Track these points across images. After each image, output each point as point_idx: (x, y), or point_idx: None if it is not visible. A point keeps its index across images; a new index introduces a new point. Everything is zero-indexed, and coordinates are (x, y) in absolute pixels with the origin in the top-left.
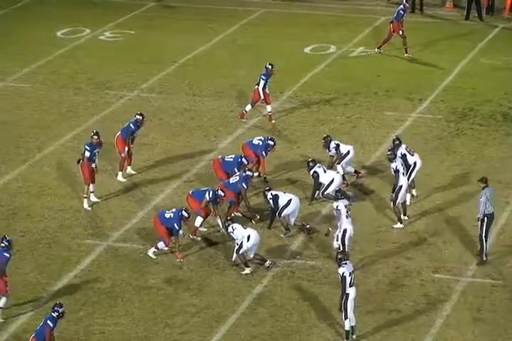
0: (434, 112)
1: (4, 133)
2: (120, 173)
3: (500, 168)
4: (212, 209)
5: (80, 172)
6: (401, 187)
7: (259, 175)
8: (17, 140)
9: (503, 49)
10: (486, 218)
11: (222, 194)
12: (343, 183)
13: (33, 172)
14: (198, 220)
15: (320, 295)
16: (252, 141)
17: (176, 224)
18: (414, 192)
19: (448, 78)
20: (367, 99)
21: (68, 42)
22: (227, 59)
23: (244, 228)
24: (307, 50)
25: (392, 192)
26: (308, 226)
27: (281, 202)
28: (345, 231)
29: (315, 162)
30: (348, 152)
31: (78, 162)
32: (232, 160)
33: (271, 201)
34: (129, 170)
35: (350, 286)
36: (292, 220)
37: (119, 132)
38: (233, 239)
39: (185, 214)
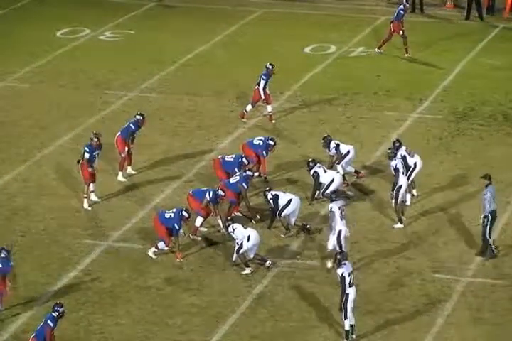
0: (435, 112)
1: (4, 133)
2: (120, 173)
3: (501, 167)
4: (212, 209)
5: (80, 172)
6: (400, 186)
7: (259, 175)
8: (17, 140)
9: (503, 49)
10: (489, 215)
11: (223, 194)
12: (344, 183)
13: (33, 172)
14: (199, 220)
15: (320, 295)
16: (252, 140)
17: (176, 224)
18: (414, 192)
19: (448, 78)
20: (367, 99)
21: (68, 42)
22: (228, 59)
23: (245, 228)
24: (307, 50)
25: (392, 191)
26: (308, 226)
27: (282, 202)
28: (340, 232)
29: (315, 162)
30: (348, 152)
31: (78, 162)
32: (232, 160)
33: (271, 201)
34: (129, 170)
35: (350, 286)
36: (292, 220)
37: (119, 132)
38: (233, 239)
39: (185, 214)
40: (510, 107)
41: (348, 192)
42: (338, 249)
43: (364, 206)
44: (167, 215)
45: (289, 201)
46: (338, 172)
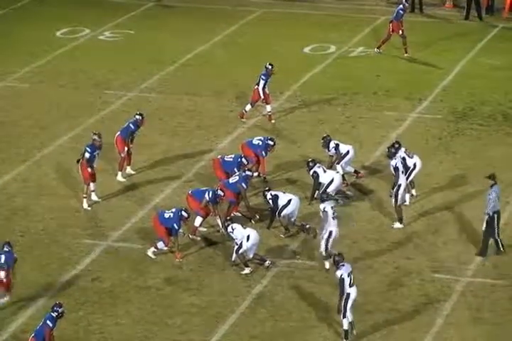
0: (434, 112)
1: (4, 133)
2: (120, 173)
3: (500, 167)
4: (211, 209)
5: (80, 172)
6: (400, 186)
7: (258, 175)
8: (16, 140)
9: (502, 49)
10: (495, 215)
11: (222, 194)
12: (343, 183)
13: (33, 172)
14: (198, 220)
15: (320, 295)
16: (251, 140)
17: (175, 224)
18: (413, 192)
19: (448, 78)
20: (366, 98)
21: (68, 42)
22: (227, 59)
23: (244, 228)
24: (307, 49)
25: (392, 189)
26: (307, 226)
27: (281, 202)
28: (330, 233)
29: (315, 162)
30: (348, 152)
31: (78, 161)
32: (231, 160)
33: (270, 201)
34: (129, 170)
35: (350, 286)
36: (292, 220)
37: (119, 132)
38: (233, 239)
39: (184, 214)
40: (509, 107)
41: (348, 192)
42: (324, 249)
43: (363, 206)
44: (166, 215)
45: (289, 201)
46: (337, 172)
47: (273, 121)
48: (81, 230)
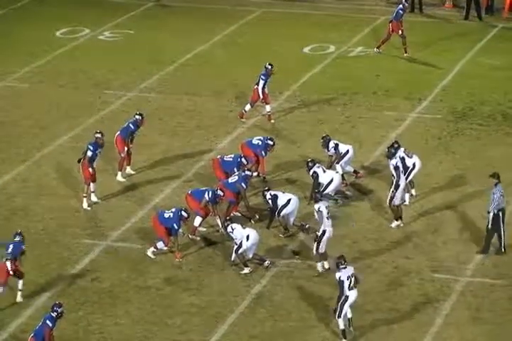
0: (434, 112)
1: (3, 133)
2: (119, 173)
3: (500, 167)
4: (211, 209)
5: (81, 172)
6: (399, 185)
7: (258, 175)
8: (16, 140)
9: (502, 49)
10: (499, 212)
11: (222, 194)
12: (343, 183)
13: (32, 172)
14: (197, 220)
15: (319, 294)
16: (251, 140)
17: (175, 224)
18: (413, 191)
19: (447, 78)
20: (366, 98)
21: (67, 42)
22: (227, 59)
23: (244, 228)
24: (306, 49)
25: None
26: (307, 226)
27: (280, 201)
28: (324, 232)
29: (314, 162)
30: (347, 152)
31: (79, 161)
32: (231, 160)
33: (270, 201)
34: (129, 170)
35: (350, 289)
36: (291, 220)
37: (119, 132)
38: (232, 239)
39: (184, 214)
40: (509, 107)
41: (347, 192)
42: (315, 248)
43: (363, 206)
44: (166, 215)
45: (288, 201)
46: (337, 172)
47: (272, 121)
48: (81, 230)
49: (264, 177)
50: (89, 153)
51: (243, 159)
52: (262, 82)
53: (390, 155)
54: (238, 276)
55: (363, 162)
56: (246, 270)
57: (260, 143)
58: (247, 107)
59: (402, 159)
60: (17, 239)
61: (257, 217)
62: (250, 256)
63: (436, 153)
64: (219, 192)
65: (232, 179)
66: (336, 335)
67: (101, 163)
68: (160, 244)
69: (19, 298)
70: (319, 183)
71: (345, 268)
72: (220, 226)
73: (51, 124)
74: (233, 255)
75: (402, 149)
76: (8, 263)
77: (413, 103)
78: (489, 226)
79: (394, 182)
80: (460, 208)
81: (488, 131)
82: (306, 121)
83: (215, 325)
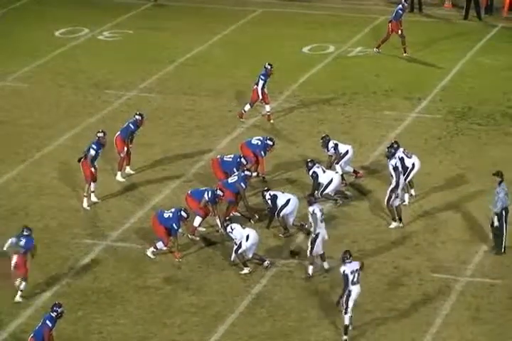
0: (433, 112)
1: (3, 132)
2: (119, 173)
3: (500, 167)
4: (211, 209)
5: (82, 171)
6: (397, 186)
7: (257, 175)
8: (16, 139)
9: (502, 48)
10: (503, 211)
11: (221, 194)
12: (342, 183)
13: (32, 172)
14: (197, 220)
15: (318, 294)
16: (250, 140)
17: (174, 224)
18: (412, 191)
19: (447, 78)
20: (366, 98)
21: (67, 42)
22: (226, 59)
23: (243, 228)
24: (306, 49)
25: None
26: (306, 226)
27: (280, 201)
28: (317, 235)
29: (314, 162)
30: (347, 152)
31: (79, 161)
32: (231, 160)
33: (269, 201)
34: (128, 170)
35: (353, 284)
36: (291, 220)
37: (119, 132)
38: (232, 239)
39: (184, 214)
40: (508, 106)
41: (347, 192)
42: (309, 251)
43: (363, 206)
44: (166, 215)
45: (288, 201)
46: (336, 172)
47: (272, 121)
48: (80, 230)
49: (264, 178)
50: (92, 153)
51: (243, 159)
52: (261, 82)
53: (390, 156)
54: (238, 276)
55: (362, 162)
56: (246, 270)
57: (260, 143)
58: (247, 107)
59: (402, 159)
60: (25, 233)
61: (257, 217)
62: (250, 256)
63: (436, 153)
64: (218, 192)
65: (232, 179)
66: (336, 335)
67: (101, 163)
68: (159, 244)
69: (18, 298)
70: (319, 183)
71: (350, 262)
72: (220, 226)
73: (51, 124)
74: (233, 255)
75: (401, 149)
76: (19, 257)
77: (413, 103)
78: (495, 225)
79: (392, 183)
80: (460, 208)
81: (487, 130)
82: (306, 121)
83: (215, 325)
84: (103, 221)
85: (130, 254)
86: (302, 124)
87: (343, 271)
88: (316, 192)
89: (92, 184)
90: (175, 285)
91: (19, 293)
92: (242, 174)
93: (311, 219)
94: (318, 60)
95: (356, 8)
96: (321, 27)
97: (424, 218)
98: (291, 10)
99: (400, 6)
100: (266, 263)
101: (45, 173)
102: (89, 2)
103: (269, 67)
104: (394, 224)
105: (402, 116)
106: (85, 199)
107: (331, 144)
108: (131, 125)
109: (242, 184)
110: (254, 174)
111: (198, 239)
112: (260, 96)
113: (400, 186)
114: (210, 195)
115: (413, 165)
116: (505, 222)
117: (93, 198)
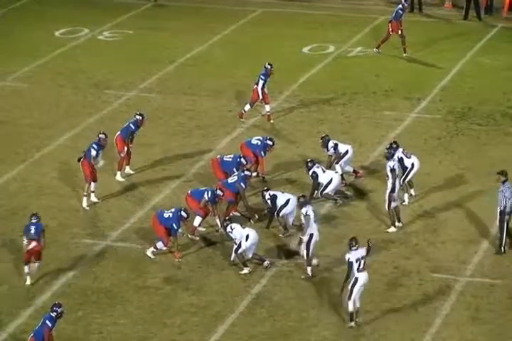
0: (433, 112)
1: (3, 132)
2: (119, 173)
3: (500, 167)
4: (211, 209)
5: (81, 171)
6: (394, 188)
7: (257, 175)
8: (16, 139)
9: (501, 48)
10: (506, 210)
11: (221, 194)
12: (342, 183)
13: (32, 172)
14: (197, 220)
15: (318, 294)
16: (250, 140)
17: (174, 224)
18: (412, 191)
19: (447, 78)
20: (365, 98)
21: (67, 42)
22: (226, 59)
23: (243, 228)
24: (306, 49)
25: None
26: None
27: (280, 201)
28: (311, 236)
29: (314, 162)
30: (347, 151)
31: (79, 160)
32: (230, 160)
33: (269, 201)
34: (128, 170)
35: (359, 271)
36: (291, 220)
37: (119, 132)
38: (232, 239)
39: (184, 214)
40: (508, 106)
41: (347, 192)
42: (305, 253)
43: (362, 206)
44: (166, 215)
45: (287, 201)
46: (336, 172)
47: (272, 121)
48: (80, 230)
49: (264, 177)
50: (93, 153)
51: (242, 159)
52: (261, 82)
53: (389, 156)
54: (238, 276)
55: (362, 162)
56: (245, 270)
57: (259, 143)
58: (247, 107)
59: (401, 159)
60: (33, 220)
61: (257, 217)
62: (250, 256)
63: (436, 153)
64: (218, 192)
65: (232, 179)
66: (336, 334)
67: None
68: (159, 244)
69: (29, 281)
70: (319, 183)
71: (356, 249)
72: (220, 226)
73: (51, 124)
74: (233, 255)
75: (400, 149)
76: (34, 243)
77: (412, 103)
78: (498, 224)
79: (388, 186)
80: (459, 208)
81: (487, 130)
82: (306, 121)
83: (215, 325)
84: (103, 221)
85: (130, 254)
86: (302, 124)
87: (348, 259)
88: (316, 192)
89: (93, 184)
90: (175, 285)
91: (28, 276)
92: (242, 174)
93: (304, 221)
94: (318, 60)
95: (356, 8)
96: (321, 27)
97: (424, 218)
98: (291, 10)
99: (400, 6)
100: (266, 263)
101: (45, 173)
102: (89, 2)
103: (269, 67)
104: (392, 229)
105: (402, 116)
106: (85, 199)
107: (330, 144)
108: (131, 125)
109: (241, 184)
110: (254, 174)
111: (197, 238)
112: (260, 96)
113: (396, 189)
114: (210, 195)
115: (412, 165)
116: (506, 222)
117: (93, 198)
